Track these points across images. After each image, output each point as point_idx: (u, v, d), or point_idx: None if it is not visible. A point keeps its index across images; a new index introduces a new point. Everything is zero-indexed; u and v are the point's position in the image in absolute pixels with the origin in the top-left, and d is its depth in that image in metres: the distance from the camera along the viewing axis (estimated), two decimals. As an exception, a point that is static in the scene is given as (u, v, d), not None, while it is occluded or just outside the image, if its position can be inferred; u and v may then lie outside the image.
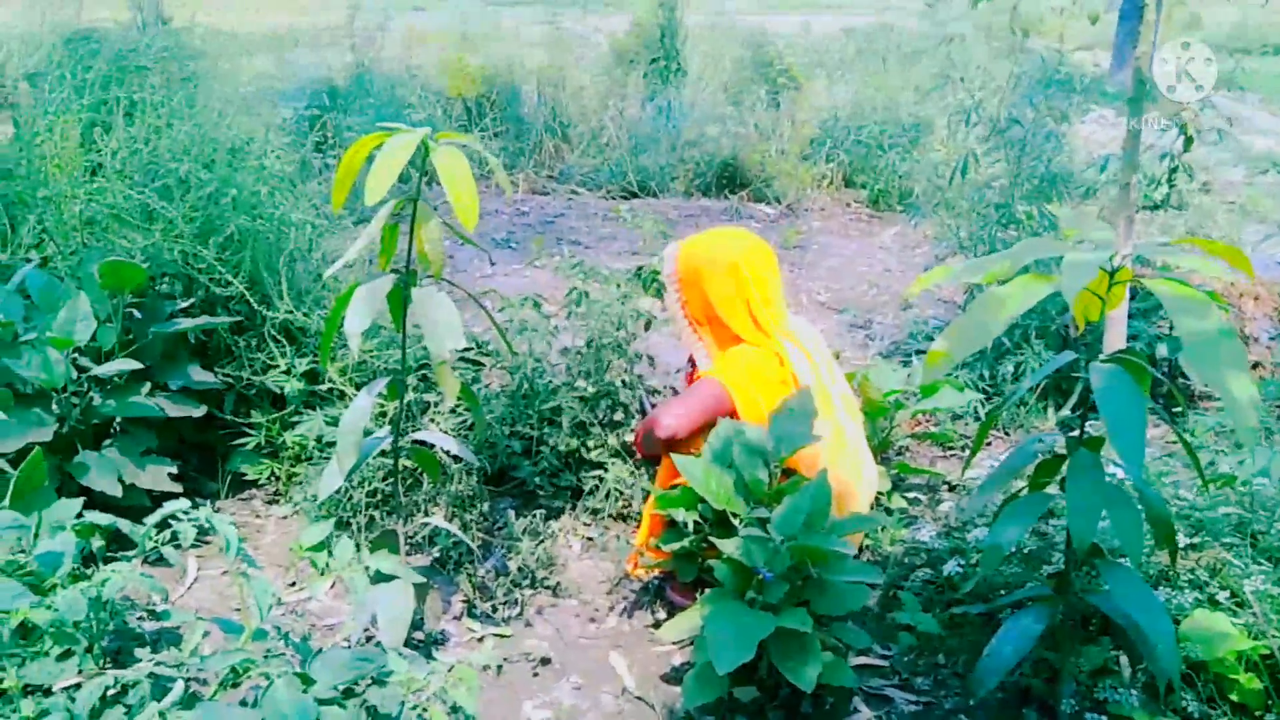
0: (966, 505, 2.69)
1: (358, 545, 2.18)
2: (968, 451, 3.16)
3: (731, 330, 2.39)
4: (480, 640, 2.34)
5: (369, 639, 2.21)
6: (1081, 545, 1.74)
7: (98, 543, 1.73)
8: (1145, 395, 1.78)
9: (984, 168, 3.68)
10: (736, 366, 2.35)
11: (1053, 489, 2.02)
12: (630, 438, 2.77)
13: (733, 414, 2.29)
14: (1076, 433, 1.91)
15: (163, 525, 1.73)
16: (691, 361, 2.56)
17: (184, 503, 1.68)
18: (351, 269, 3.16)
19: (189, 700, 1.50)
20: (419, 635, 2.31)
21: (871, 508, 2.56)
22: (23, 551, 1.72)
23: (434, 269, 2.02)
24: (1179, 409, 2.96)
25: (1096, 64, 8.91)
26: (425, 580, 2.17)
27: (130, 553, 1.70)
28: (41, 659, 1.52)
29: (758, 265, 2.40)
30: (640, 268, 2.91)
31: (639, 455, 2.71)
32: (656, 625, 2.41)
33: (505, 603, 2.45)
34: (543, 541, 2.57)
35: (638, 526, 2.57)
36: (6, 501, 2.16)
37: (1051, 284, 1.72)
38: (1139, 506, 1.84)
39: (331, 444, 2.77)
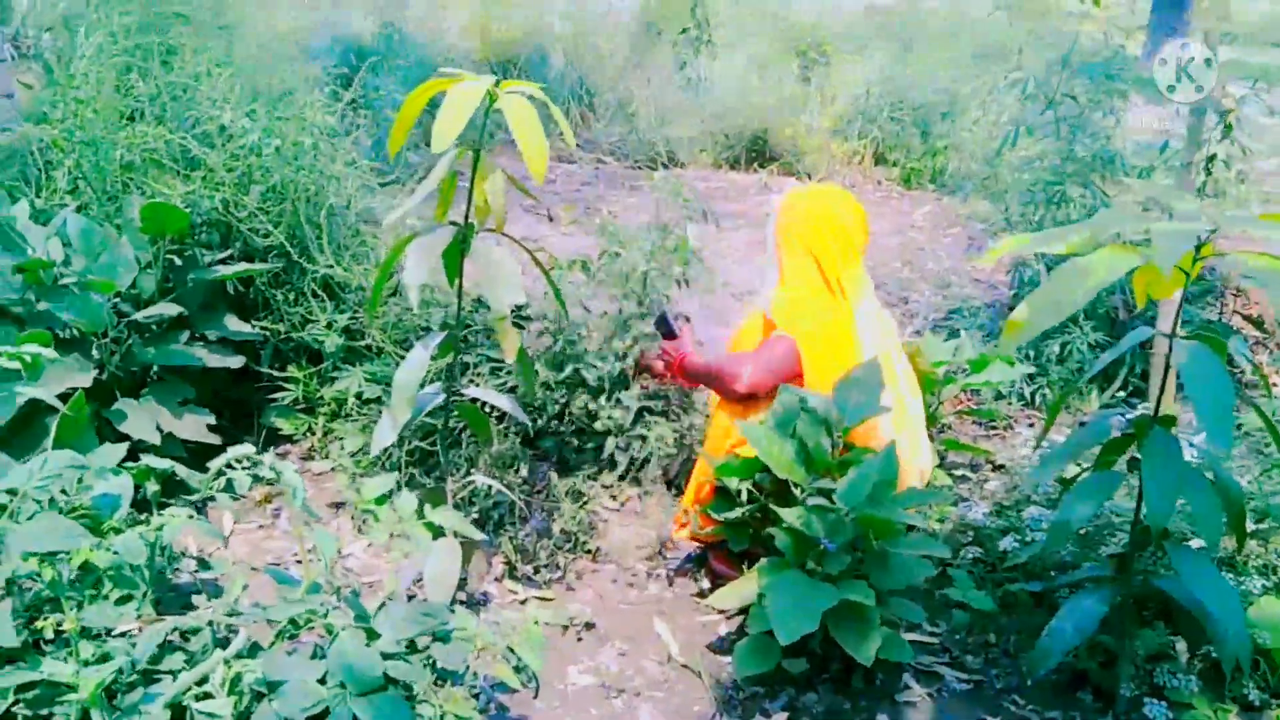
0: (1026, 481, 2.64)
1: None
2: (1010, 430, 3.13)
3: (823, 270, 2.29)
4: (522, 603, 2.31)
5: (410, 598, 2.18)
6: (1157, 526, 1.69)
7: (152, 488, 1.69)
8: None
9: (1029, 144, 3.61)
10: (806, 322, 2.26)
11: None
12: (653, 357, 2.67)
13: (798, 377, 2.23)
14: (1151, 411, 1.87)
15: (218, 473, 1.69)
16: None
17: (248, 448, 1.63)
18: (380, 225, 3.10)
19: (251, 650, 1.47)
20: (461, 596, 2.27)
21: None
22: (64, 493, 1.68)
23: (496, 222, 1.96)
24: (1259, 390, 2.91)
25: (1122, 45, 8.78)
26: (477, 538, 2.13)
27: (186, 499, 1.66)
28: (101, 602, 1.48)
29: (850, 223, 2.33)
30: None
31: (666, 377, 2.62)
32: (700, 594, 2.37)
33: (547, 565, 2.41)
34: (585, 505, 2.53)
35: (680, 494, 2.53)
36: (49, 444, 2.12)
37: (1139, 255, 1.67)
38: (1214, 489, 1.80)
39: (370, 400, 2.73)
